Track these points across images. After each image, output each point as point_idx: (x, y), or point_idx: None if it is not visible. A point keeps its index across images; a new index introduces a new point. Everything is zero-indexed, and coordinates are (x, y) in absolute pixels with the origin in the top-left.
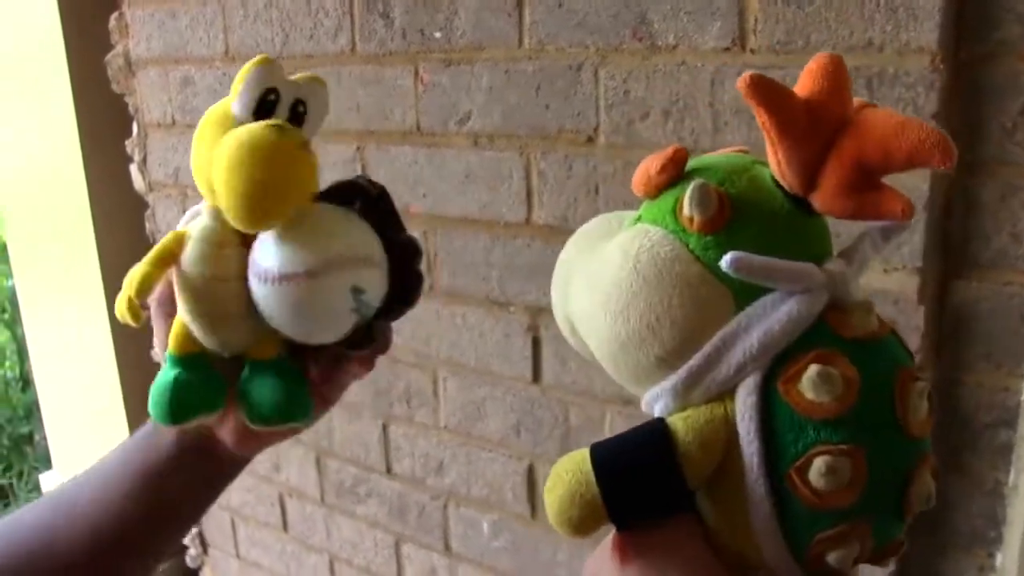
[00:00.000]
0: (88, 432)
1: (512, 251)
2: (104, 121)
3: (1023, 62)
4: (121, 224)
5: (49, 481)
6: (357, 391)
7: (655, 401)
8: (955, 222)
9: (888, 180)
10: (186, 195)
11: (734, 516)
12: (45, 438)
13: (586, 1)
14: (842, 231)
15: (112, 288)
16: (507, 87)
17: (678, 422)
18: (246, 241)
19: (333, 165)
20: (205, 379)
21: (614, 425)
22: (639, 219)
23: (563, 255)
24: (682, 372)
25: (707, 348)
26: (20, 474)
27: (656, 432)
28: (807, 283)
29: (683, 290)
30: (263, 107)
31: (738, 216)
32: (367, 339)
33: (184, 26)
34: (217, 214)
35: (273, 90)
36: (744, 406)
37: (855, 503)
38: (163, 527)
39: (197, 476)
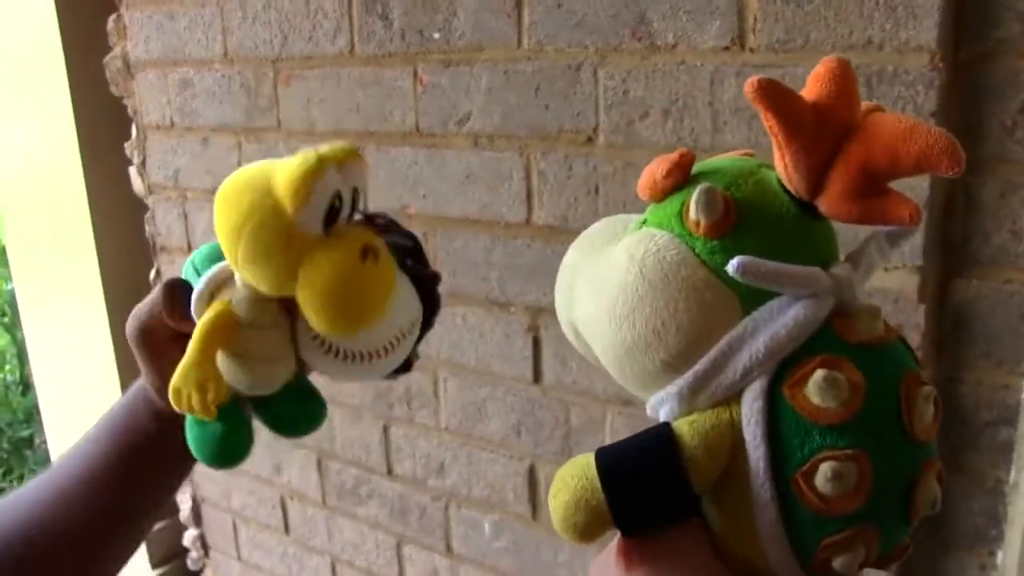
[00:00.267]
0: None
1: (512, 251)
2: (103, 124)
3: (1023, 60)
4: (120, 227)
5: None
6: (358, 393)
7: (660, 406)
8: (955, 220)
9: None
10: (185, 198)
11: (740, 521)
12: (45, 441)
13: (585, 1)
14: (847, 235)
15: (112, 290)
16: (506, 87)
17: (684, 427)
18: (284, 307)
19: None
20: (242, 425)
21: (615, 425)
22: (644, 223)
23: (567, 259)
24: (688, 377)
25: (713, 353)
26: (20, 477)
27: (662, 437)
28: (813, 288)
29: (689, 294)
30: (329, 213)
31: (744, 220)
32: (404, 366)
33: (182, 28)
34: (259, 294)
35: (338, 195)
36: (750, 411)
37: (861, 508)
38: (150, 495)
39: (176, 449)
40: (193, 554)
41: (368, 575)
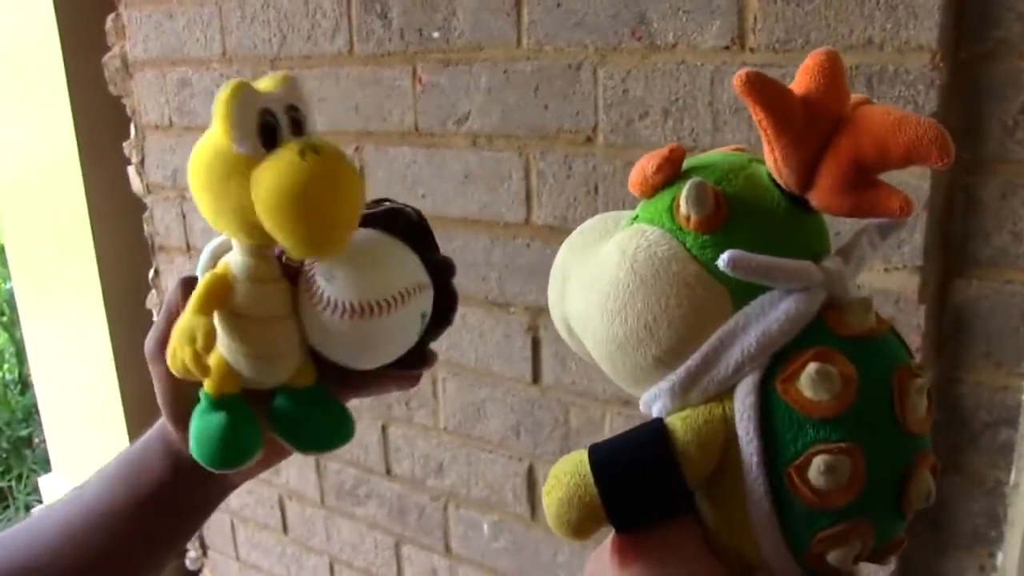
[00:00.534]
0: (87, 435)
1: (512, 251)
2: (101, 123)
3: (1023, 60)
4: (119, 226)
5: (48, 484)
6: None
7: (653, 402)
8: (956, 221)
9: (890, 179)
10: (184, 197)
11: (734, 516)
12: (44, 441)
13: (585, 1)
14: (841, 229)
15: (110, 290)
16: (506, 87)
17: (676, 422)
18: (288, 273)
19: None
20: (248, 421)
21: (614, 426)
22: (636, 218)
23: (559, 255)
24: (680, 372)
25: (705, 348)
26: (19, 477)
27: (655, 433)
28: (805, 281)
29: (680, 290)
30: (266, 131)
31: (735, 215)
32: (419, 359)
33: (181, 27)
34: (257, 250)
35: (266, 110)
36: (743, 406)
37: (854, 501)
38: (162, 542)
39: (191, 499)
40: (191, 554)
41: (367, 575)
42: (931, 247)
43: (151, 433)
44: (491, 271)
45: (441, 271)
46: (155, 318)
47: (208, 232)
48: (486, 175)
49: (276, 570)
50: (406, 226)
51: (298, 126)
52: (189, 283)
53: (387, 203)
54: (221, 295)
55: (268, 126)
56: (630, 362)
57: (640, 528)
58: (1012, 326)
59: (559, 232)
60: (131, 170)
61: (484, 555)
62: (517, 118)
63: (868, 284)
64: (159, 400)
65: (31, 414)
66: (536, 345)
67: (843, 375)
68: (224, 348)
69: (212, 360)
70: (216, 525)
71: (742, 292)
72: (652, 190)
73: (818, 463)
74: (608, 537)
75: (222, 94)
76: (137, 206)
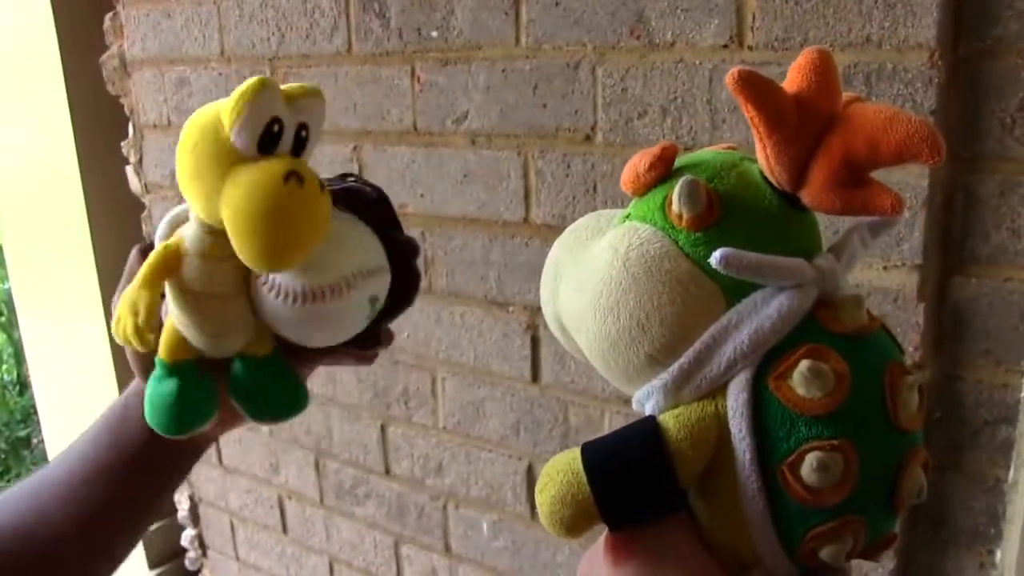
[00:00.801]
0: None
1: (510, 250)
2: (99, 123)
3: (1021, 58)
4: (117, 226)
5: None
6: (355, 392)
7: (646, 399)
8: (955, 218)
9: (889, 177)
10: (182, 197)
11: (727, 514)
12: (43, 441)
13: None
14: (840, 227)
15: (109, 290)
16: (504, 86)
17: (669, 420)
18: None
19: (330, 165)
20: (202, 387)
21: (613, 424)
22: (628, 217)
23: (552, 254)
24: (673, 370)
25: (697, 345)
26: (18, 477)
27: (647, 430)
28: (797, 279)
29: (673, 287)
30: (267, 138)
31: (727, 213)
32: (373, 339)
33: (179, 26)
34: (213, 227)
35: (277, 119)
36: (735, 403)
37: (847, 498)
38: (143, 500)
39: (169, 455)
40: (191, 554)
41: (366, 575)
42: (930, 245)
43: (126, 394)
44: (490, 270)
45: (403, 251)
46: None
47: None
48: (485, 174)
49: (275, 570)
50: (366, 204)
51: (300, 145)
52: (146, 251)
53: (350, 179)
54: (170, 268)
55: (272, 134)
56: (623, 360)
57: (633, 526)
58: (1011, 324)
59: (558, 231)
60: (129, 170)
61: (484, 554)
62: (516, 117)
63: (867, 282)
64: (132, 366)
65: (29, 415)
66: (535, 344)
67: (835, 372)
68: (175, 319)
69: (165, 328)
70: (215, 525)
71: (734, 290)
72: (644, 188)
73: (811, 460)
74: (601, 536)
75: (247, 85)
76: (135, 206)
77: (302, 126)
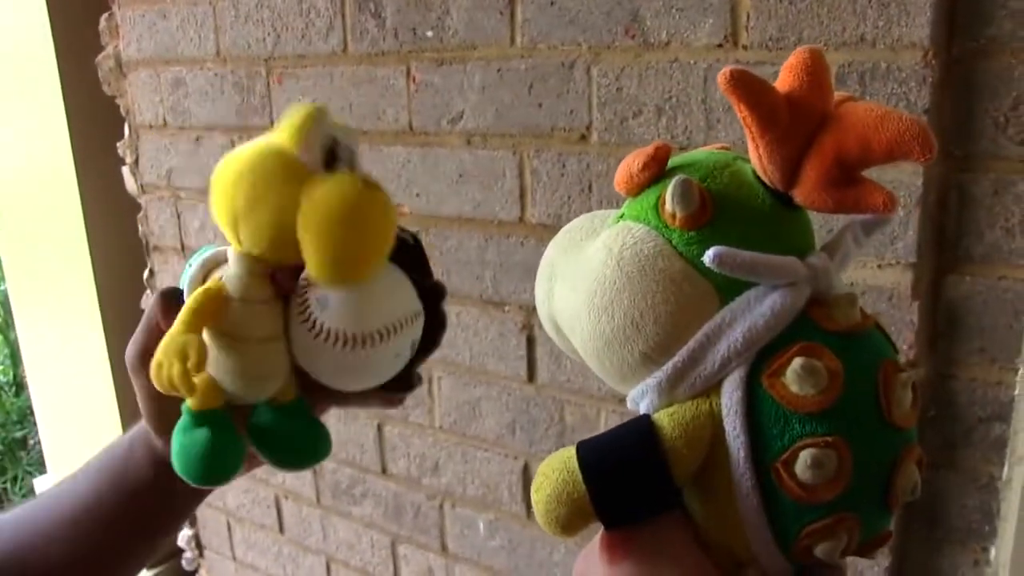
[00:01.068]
0: (82, 436)
1: (506, 250)
2: (95, 123)
3: (1015, 57)
4: (113, 226)
5: (43, 486)
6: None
7: (640, 398)
8: (949, 217)
9: (882, 176)
10: (178, 197)
11: (721, 511)
12: (39, 442)
13: None
14: (835, 226)
15: (105, 291)
16: (500, 86)
17: (664, 419)
18: (278, 294)
19: None
20: (232, 437)
21: (609, 423)
22: (622, 216)
23: (546, 254)
24: (667, 368)
25: (691, 344)
26: (14, 479)
27: (642, 429)
28: (790, 277)
29: (666, 286)
30: (330, 156)
31: (720, 212)
32: (405, 384)
33: (175, 27)
34: (256, 268)
35: (335, 140)
36: (730, 401)
37: (841, 495)
38: (142, 541)
39: (173, 497)
40: (188, 554)
41: (363, 574)
42: (924, 243)
43: (136, 432)
44: (485, 270)
45: (433, 296)
46: None
47: (202, 233)
48: (480, 174)
49: (272, 570)
50: (402, 251)
51: (352, 167)
52: (169, 295)
53: None
54: (213, 312)
55: (332, 151)
56: (617, 359)
57: (629, 525)
58: (1005, 322)
59: (553, 231)
60: (125, 170)
61: (480, 553)
62: (511, 117)
63: (861, 280)
64: (143, 411)
65: (26, 416)
66: (531, 343)
67: (829, 369)
68: (210, 364)
69: (197, 376)
70: (212, 525)
71: (728, 288)
72: (638, 188)
73: (805, 457)
74: (597, 535)
75: (305, 109)
76: (131, 206)
77: (349, 150)
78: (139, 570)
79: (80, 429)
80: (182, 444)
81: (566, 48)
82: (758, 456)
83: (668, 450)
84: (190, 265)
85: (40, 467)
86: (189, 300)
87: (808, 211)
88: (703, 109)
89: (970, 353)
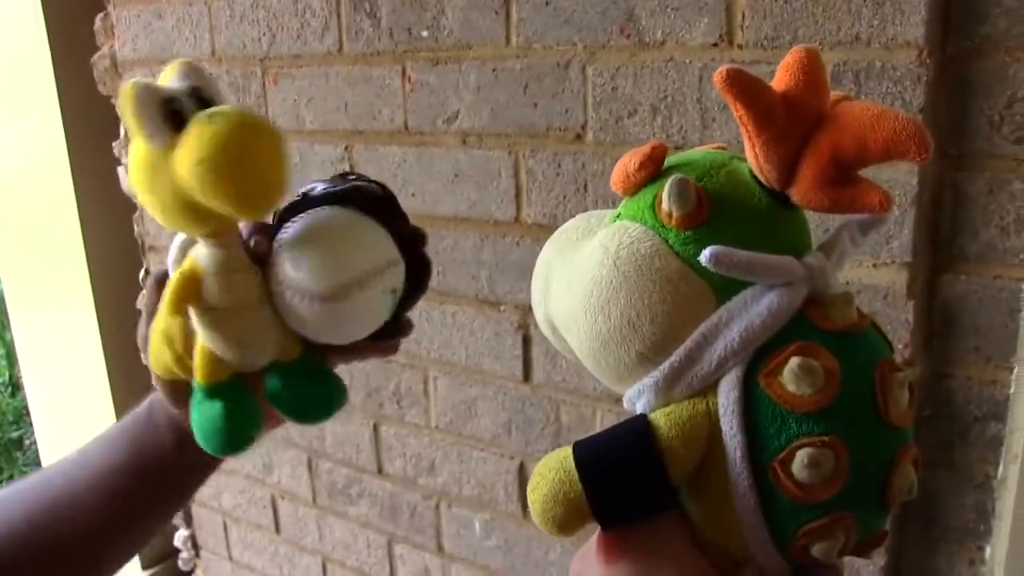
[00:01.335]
0: (78, 436)
1: (502, 250)
2: (91, 123)
3: (1010, 56)
4: (109, 226)
5: None
6: (348, 392)
7: (637, 398)
8: (944, 216)
9: (878, 175)
10: None
11: (718, 511)
12: (35, 443)
13: None
14: (831, 226)
15: (101, 290)
16: (495, 85)
17: (660, 418)
18: (255, 260)
19: (321, 164)
20: (246, 401)
21: (605, 423)
22: (618, 216)
23: (542, 255)
24: (664, 368)
25: (688, 343)
26: (11, 478)
27: (639, 429)
28: (786, 276)
29: (663, 286)
30: (173, 118)
31: (717, 211)
32: (395, 329)
33: (170, 27)
34: (220, 240)
35: (169, 99)
36: (726, 400)
37: (838, 495)
38: (160, 507)
39: (194, 461)
40: (184, 554)
41: (359, 574)
42: (919, 243)
43: (150, 401)
44: (481, 269)
45: (412, 242)
46: None
47: None
48: (476, 173)
49: (269, 570)
50: (372, 200)
51: (206, 104)
52: (161, 278)
53: (352, 177)
54: (191, 292)
55: (174, 112)
56: (614, 359)
57: (625, 524)
58: (1000, 321)
59: (549, 230)
60: (121, 170)
61: (476, 553)
62: (506, 116)
63: (857, 280)
64: (162, 393)
65: (22, 416)
66: (527, 343)
67: (825, 369)
68: (205, 339)
69: (197, 351)
70: (209, 525)
71: (725, 288)
72: (634, 187)
73: (801, 457)
74: (593, 535)
75: (122, 99)
76: (127, 206)
77: (194, 89)
78: (150, 537)
79: (76, 429)
80: (198, 418)
81: (561, 48)
82: (755, 455)
83: (665, 450)
84: (174, 248)
85: (36, 467)
86: (168, 285)
87: (804, 210)
88: (699, 108)
89: (966, 352)
